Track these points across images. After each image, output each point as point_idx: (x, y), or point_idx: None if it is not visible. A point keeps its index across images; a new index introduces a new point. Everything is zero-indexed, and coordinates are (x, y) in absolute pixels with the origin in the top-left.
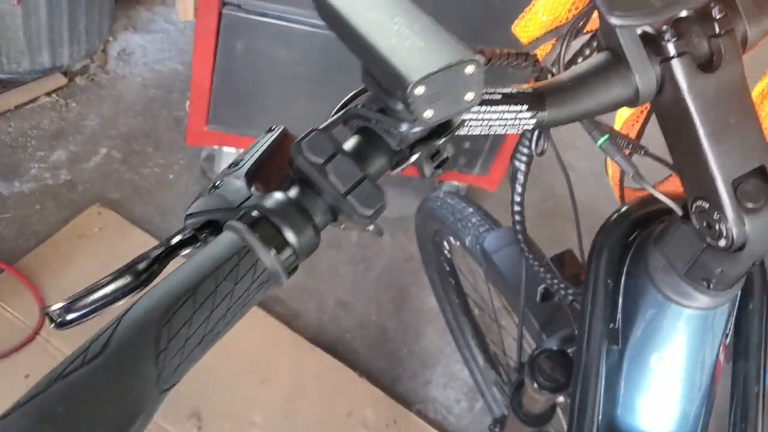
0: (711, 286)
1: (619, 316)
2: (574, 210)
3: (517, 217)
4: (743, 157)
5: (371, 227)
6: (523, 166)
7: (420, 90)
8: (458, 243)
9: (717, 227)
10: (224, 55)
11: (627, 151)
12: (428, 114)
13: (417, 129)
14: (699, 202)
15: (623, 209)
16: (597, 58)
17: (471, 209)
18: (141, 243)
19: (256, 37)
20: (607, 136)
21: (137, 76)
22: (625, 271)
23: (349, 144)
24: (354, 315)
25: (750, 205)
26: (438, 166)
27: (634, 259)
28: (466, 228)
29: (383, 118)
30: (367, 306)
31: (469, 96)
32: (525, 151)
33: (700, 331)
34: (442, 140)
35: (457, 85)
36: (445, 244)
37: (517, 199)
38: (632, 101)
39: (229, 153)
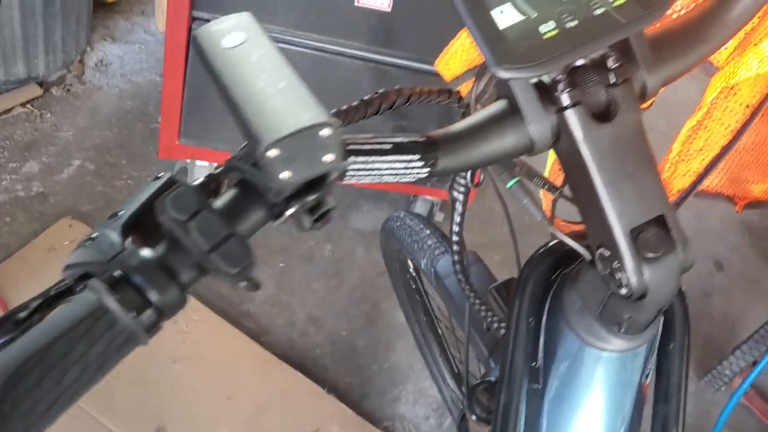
0: (622, 330)
1: (540, 354)
2: (514, 242)
3: (456, 247)
4: (642, 206)
5: (243, 284)
6: (461, 197)
7: (273, 152)
8: (415, 264)
9: (617, 276)
10: (195, 69)
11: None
12: (285, 175)
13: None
14: (601, 250)
15: (548, 245)
16: (494, 106)
17: (428, 231)
18: None
19: None
20: (516, 179)
21: (114, 87)
22: (546, 309)
23: (224, 198)
24: (324, 330)
25: (649, 255)
26: (318, 219)
27: (555, 298)
28: (421, 250)
29: (255, 172)
30: (338, 321)
31: (328, 157)
32: (462, 181)
33: (618, 374)
34: (314, 196)
35: (313, 148)
36: (409, 262)
37: (456, 229)
38: (528, 150)
39: (202, 166)
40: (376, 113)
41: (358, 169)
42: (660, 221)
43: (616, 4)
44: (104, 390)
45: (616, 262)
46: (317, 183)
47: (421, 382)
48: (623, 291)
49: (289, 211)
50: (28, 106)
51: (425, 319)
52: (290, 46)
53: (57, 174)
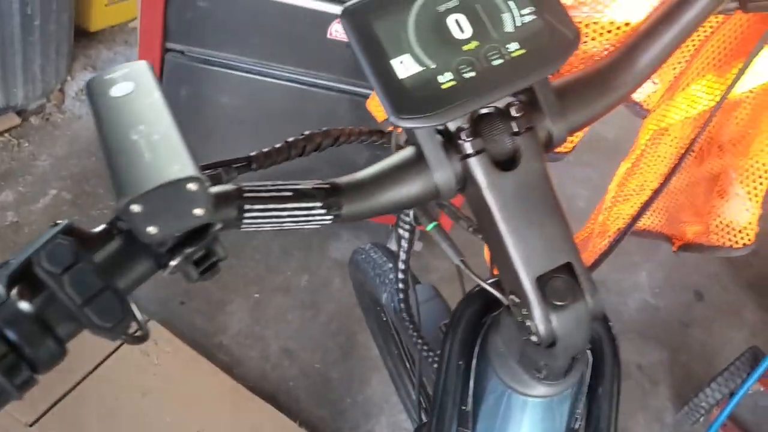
0: (542, 376)
1: (470, 399)
2: (460, 279)
3: (400, 285)
4: (548, 254)
5: (122, 338)
6: (406, 234)
7: (136, 208)
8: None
9: (527, 323)
10: (168, 100)
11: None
12: (152, 230)
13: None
14: (512, 296)
15: (479, 287)
16: (401, 153)
17: (390, 265)
18: None
19: (199, 83)
20: (435, 223)
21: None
22: (476, 352)
23: (106, 250)
24: (298, 363)
25: (557, 303)
26: (205, 271)
27: (483, 342)
28: (383, 284)
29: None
30: (313, 353)
31: (199, 211)
32: (406, 219)
33: (544, 420)
34: (192, 249)
35: (180, 202)
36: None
37: (402, 266)
38: (435, 197)
39: None
40: (301, 155)
41: (255, 217)
42: (568, 269)
43: (514, 54)
44: (72, 423)
45: (525, 309)
46: (200, 234)
47: (395, 416)
48: (534, 338)
49: (173, 263)
50: (6, 135)
51: (396, 352)
52: (265, 78)
53: (32, 203)
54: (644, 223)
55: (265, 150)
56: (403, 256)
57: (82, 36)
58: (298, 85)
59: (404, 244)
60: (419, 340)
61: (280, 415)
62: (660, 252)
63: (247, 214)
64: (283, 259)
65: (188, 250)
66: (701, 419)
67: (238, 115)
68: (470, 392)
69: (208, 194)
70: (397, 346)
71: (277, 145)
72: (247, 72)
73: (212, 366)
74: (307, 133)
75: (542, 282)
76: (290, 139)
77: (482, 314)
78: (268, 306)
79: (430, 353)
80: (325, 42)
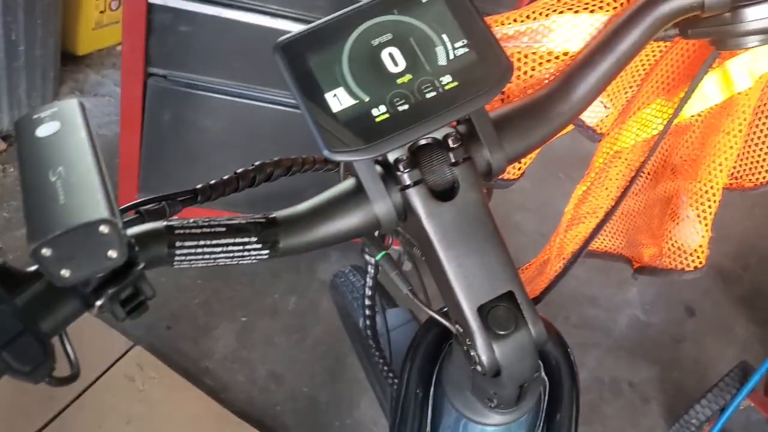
0: (494, 405)
1: (428, 427)
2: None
3: (367, 311)
4: (489, 283)
5: (45, 380)
6: (373, 260)
7: (47, 251)
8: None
9: (471, 353)
10: (152, 124)
11: None
12: (65, 273)
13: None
14: (457, 326)
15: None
16: (341, 185)
17: None
18: None
19: (182, 106)
20: (384, 252)
21: None
22: (434, 380)
23: (31, 291)
24: (285, 386)
25: (500, 332)
26: (132, 310)
27: (440, 370)
28: (360, 308)
29: None
30: (300, 377)
31: (113, 253)
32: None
33: None
34: (115, 288)
35: (93, 245)
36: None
37: (369, 293)
38: (376, 228)
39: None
40: (251, 186)
41: (187, 254)
42: (510, 298)
43: (447, 87)
44: None
45: (468, 339)
46: (124, 274)
47: None
48: (479, 368)
49: (98, 303)
50: None
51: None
52: (249, 101)
53: (17, 230)
54: (604, 245)
55: (212, 182)
56: (369, 282)
57: (70, 60)
58: (282, 107)
59: (371, 270)
60: (385, 367)
61: None
62: None
63: (178, 252)
64: (271, 282)
65: (111, 290)
66: None
67: (222, 138)
68: (428, 420)
69: (121, 235)
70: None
71: (225, 177)
72: (230, 95)
73: (198, 391)
74: (257, 163)
75: (484, 311)
76: (239, 170)
77: (441, 342)
78: (255, 329)
79: (396, 380)
80: None
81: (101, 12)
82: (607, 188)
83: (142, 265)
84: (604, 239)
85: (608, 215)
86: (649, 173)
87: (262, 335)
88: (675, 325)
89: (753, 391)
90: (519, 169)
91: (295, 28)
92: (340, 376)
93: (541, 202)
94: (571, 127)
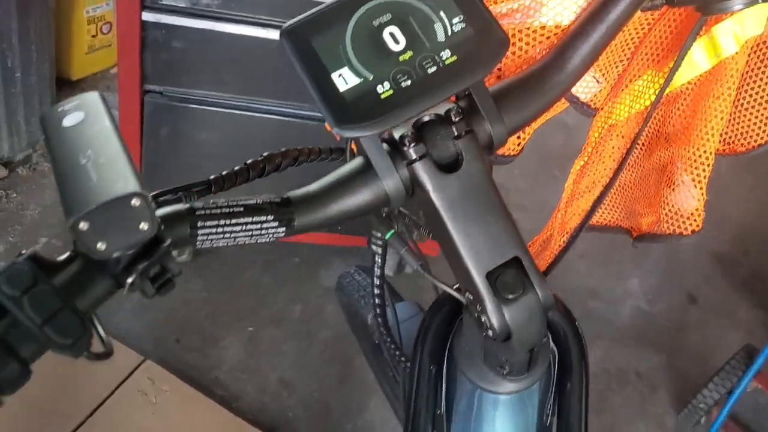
0: (506, 372)
1: (443, 402)
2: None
3: (377, 300)
4: (496, 249)
5: (84, 354)
6: (379, 250)
7: (84, 225)
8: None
9: (482, 319)
10: (150, 139)
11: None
12: (101, 246)
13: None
14: (467, 294)
15: (445, 295)
16: (351, 164)
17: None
18: None
19: (179, 121)
20: (393, 231)
21: None
22: (446, 355)
23: (66, 272)
24: (296, 393)
25: (508, 296)
26: (161, 287)
27: (452, 345)
28: (368, 305)
29: None
30: (310, 382)
31: (144, 226)
32: (378, 234)
33: (516, 415)
34: (145, 264)
35: (126, 217)
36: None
37: (377, 282)
38: (385, 204)
39: None
40: (261, 176)
41: (208, 234)
42: (517, 263)
43: (447, 62)
44: None
45: (479, 305)
46: (152, 250)
47: None
48: (490, 333)
49: (129, 279)
50: None
51: (390, 374)
52: (244, 112)
53: None
54: (603, 218)
55: (225, 173)
56: (377, 272)
57: (65, 85)
58: (278, 117)
59: (378, 260)
60: (401, 357)
61: None
62: (650, 258)
63: (200, 231)
64: (275, 291)
65: (141, 266)
66: (701, 420)
67: (219, 150)
68: (443, 396)
69: (151, 208)
70: (390, 368)
71: (237, 168)
72: (225, 107)
73: (211, 402)
74: (266, 154)
75: (492, 277)
76: (249, 161)
77: (451, 320)
78: (263, 338)
79: (408, 363)
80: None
81: (93, 36)
82: (604, 162)
83: (168, 241)
84: (603, 213)
85: (607, 188)
86: (643, 144)
87: (269, 344)
88: (678, 313)
89: (760, 373)
90: (518, 144)
91: None
92: (348, 379)
93: (539, 202)
94: (566, 104)
